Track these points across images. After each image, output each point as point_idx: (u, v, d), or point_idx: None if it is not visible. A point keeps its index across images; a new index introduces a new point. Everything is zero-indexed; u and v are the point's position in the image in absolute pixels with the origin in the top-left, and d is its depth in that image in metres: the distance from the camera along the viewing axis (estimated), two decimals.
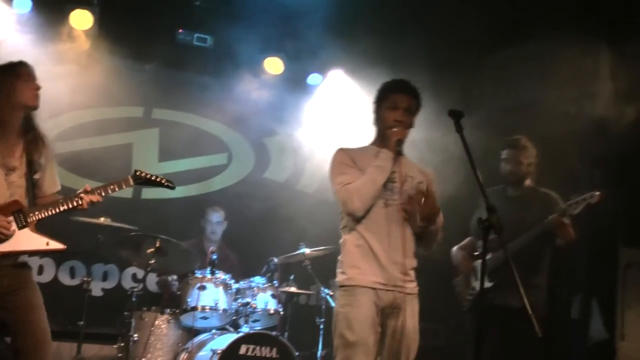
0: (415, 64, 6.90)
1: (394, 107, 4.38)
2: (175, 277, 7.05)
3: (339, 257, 4.39)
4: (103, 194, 4.51)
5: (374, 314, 4.21)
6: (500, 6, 7.23)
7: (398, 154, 4.33)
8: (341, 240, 4.42)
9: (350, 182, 4.26)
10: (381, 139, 4.45)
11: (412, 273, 4.35)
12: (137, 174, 4.72)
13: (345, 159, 4.38)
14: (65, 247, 4.45)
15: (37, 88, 4.48)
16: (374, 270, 4.23)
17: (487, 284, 5.51)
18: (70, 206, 4.44)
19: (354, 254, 4.28)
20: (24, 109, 4.44)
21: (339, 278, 4.32)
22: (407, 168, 4.45)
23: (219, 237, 7.64)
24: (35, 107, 4.48)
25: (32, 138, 4.49)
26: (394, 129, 4.34)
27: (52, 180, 4.65)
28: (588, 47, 6.83)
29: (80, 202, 4.45)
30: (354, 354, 4.14)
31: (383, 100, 4.45)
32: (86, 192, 4.48)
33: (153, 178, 4.81)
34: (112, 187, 4.56)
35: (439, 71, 7.65)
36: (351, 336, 4.15)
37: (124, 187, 4.62)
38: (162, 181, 4.87)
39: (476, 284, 5.76)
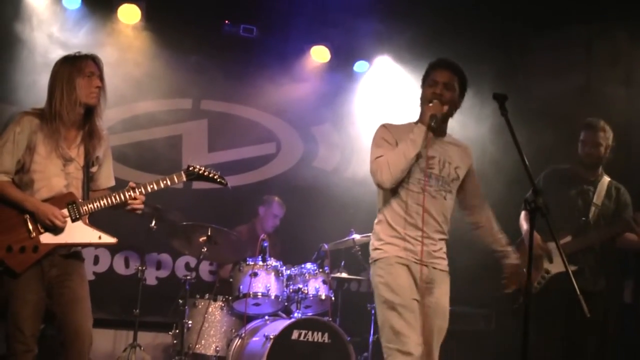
0: (460, 48, 6.84)
1: (434, 83, 4.38)
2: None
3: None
4: (156, 187, 4.49)
5: (412, 283, 4.26)
6: None
7: (431, 129, 4.27)
8: (377, 221, 4.48)
9: (383, 155, 4.30)
10: (420, 117, 4.43)
11: (443, 252, 4.42)
12: (190, 169, 4.67)
13: (386, 134, 4.42)
14: (116, 240, 4.47)
15: (98, 86, 4.44)
16: (404, 245, 4.28)
17: (571, 268, 5.47)
18: (122, 199, 4.44)
19: (385, 231, 4.36)
20: (83, 105, 4.42)
21: (373, 255, 4.39)
22: (445, 150, 4.46)
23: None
24: (93, 105, 4.45)
25: (90, 131, 4.49)
26: (430, 104, 4.32)
27: (108, 174, 4.67)
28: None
29: (132, 195, 4.44)
30: (399, 313, 4.16)
31: (425, 80, 4.47)
32: (132, 188, 4.47)
33: (206, 173, 4.74)
34: (164, 182, 4.52)
35: (483, 56, 7.60)
36: (395, 298, 4.19)
37: (177, 181, 4.57)
38: (215, 177, 4.79)
39: (550, 267, 5.64)
